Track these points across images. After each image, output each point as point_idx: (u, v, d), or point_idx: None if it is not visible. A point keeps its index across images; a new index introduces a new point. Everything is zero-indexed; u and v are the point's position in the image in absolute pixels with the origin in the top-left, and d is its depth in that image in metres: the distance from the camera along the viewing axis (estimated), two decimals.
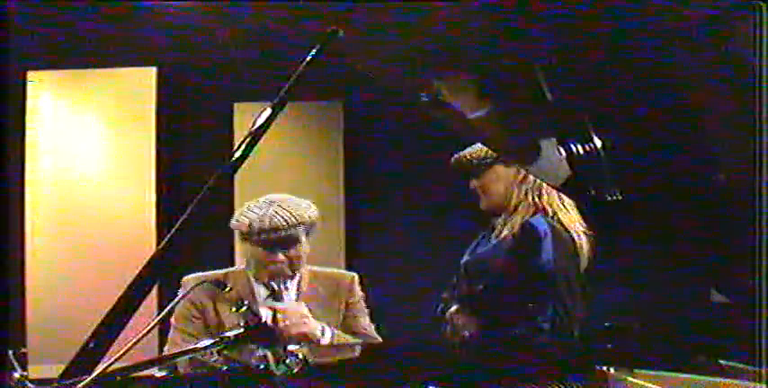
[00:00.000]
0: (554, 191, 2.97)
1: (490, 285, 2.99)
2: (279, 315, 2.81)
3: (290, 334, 2.78)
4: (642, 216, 2.29)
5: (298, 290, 2.98)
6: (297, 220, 2.86)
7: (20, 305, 5.15)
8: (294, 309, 2.86)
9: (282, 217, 2.85)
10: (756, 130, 1.77)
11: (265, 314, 2.80)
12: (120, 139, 5.36)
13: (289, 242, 2.88)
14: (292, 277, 2.97)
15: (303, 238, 2.92)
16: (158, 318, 1.95)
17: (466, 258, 3.13)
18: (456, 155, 3.14)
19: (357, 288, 3.06)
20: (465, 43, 2.18)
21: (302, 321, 2.83)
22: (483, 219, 3.19)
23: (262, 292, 2.97)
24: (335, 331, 2.89)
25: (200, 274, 2.92)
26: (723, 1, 1.82)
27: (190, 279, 2.86)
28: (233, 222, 2.93)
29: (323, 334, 2.84)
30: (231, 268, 3.07)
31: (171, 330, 2.93)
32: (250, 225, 2.85)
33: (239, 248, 3.04)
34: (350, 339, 2.93)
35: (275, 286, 2.92)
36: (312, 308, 2.91)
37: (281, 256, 2.90)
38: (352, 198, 5.39)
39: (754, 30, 1.72)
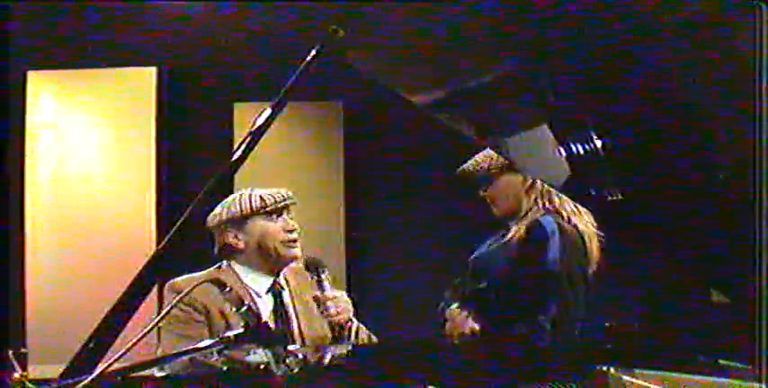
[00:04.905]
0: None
1: (494, 282, 2.99)
2: (330, 303, 2.79)
3: (340, 322, 2.79)
4: (642, 215, 2.29)
5: (319, 279, 2.87)
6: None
7: (20, 305, 5.14)
8: (341, 296, 2.85)
9: (275, 191, 2.88)
10: (756, 130, 1.77)
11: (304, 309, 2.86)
12: (120, 139, 5.35)
13: (291, 210, 2.93)
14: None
15: None
16: (159, 318, 1.96)
17: (475, 255, 3.12)
18: (461, 167, 3.10)
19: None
20: (466, 43, 2.18)
21: (349, 308, 2.84)
22: (485, 219, 3.18)
23: (258, 286, 2.89)
24: (358, 323, 2.89)
25: (188, 276, 2.78)
26: (723, 1, 1.82)
27: (179, 282, 2.74)
28: (241, 205, 2.85)
29: (353, 322, 2.85)
30: (213, 267, 2.96)
31: (163, 334, 2.75)
32: (268, 197, 2.84)
33: (232, 241, 2.91)
34: (364, 328, 2.91)
35: (320, 276, 2.84)
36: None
37: (294, 224, 2.89)
38: (352, 198, 5.39)
39: (755, 30, 1.72)
